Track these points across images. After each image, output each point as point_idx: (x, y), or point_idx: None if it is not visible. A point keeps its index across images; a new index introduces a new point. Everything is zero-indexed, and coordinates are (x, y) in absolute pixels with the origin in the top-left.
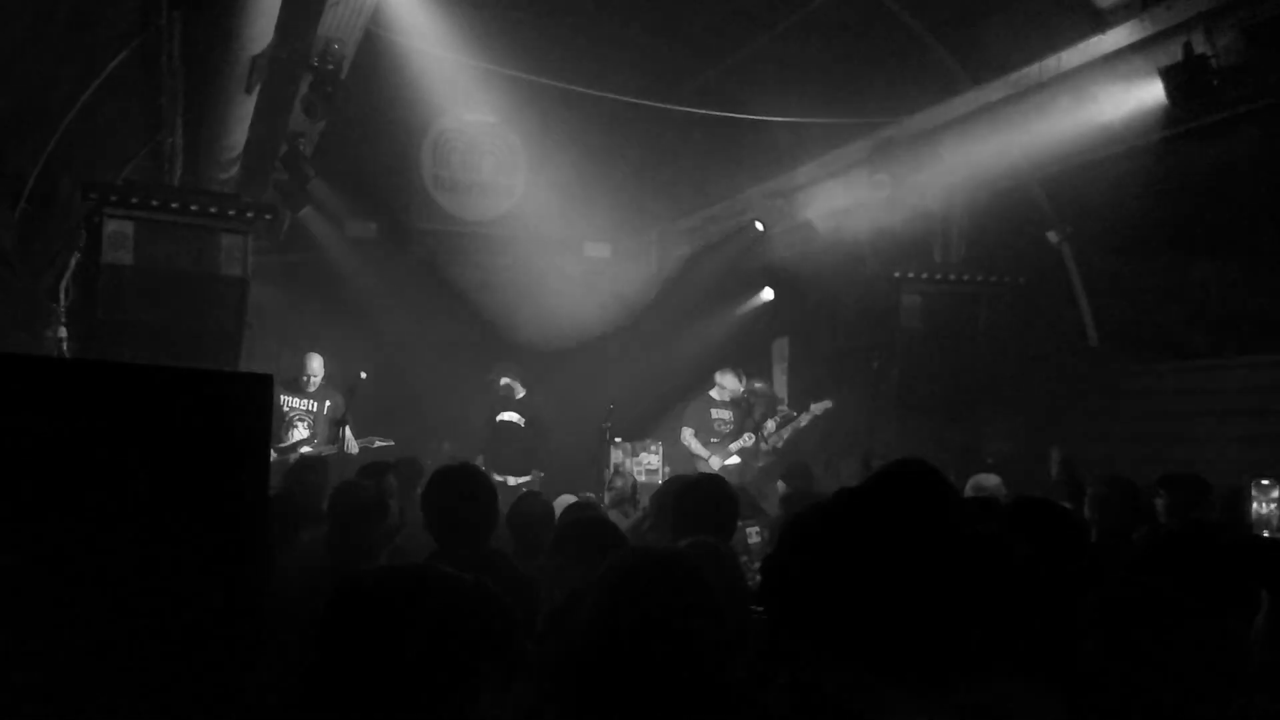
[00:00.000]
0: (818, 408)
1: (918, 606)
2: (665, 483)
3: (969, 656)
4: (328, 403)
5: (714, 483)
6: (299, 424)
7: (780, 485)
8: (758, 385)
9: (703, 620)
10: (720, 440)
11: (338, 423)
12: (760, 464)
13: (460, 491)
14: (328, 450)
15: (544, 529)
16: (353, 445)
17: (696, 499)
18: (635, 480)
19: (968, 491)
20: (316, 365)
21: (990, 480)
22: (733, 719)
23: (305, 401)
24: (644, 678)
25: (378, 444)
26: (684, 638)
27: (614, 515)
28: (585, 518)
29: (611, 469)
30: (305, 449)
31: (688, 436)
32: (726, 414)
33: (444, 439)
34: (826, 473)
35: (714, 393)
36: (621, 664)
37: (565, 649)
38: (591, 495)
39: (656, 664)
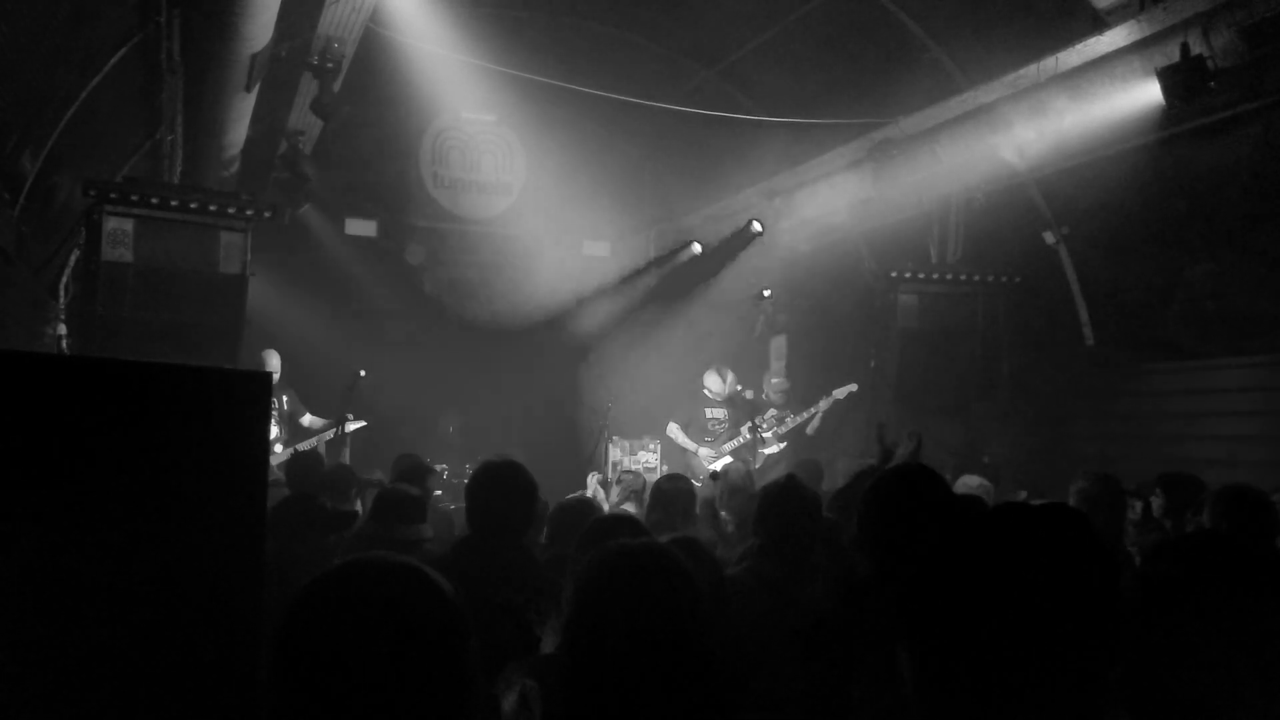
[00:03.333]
0: (840, 392)
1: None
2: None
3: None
4: (285, 398)
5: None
6: None
7: None
8: (747, 394)
9: (684, 614)
10: (714, 439)
11: (296, 415)
12: (761, 461)
13: (501, 486)
14: (307, 445)
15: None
16: (315, 423)
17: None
18: (646, 480)
19: (955, 490)
20: (275, 363)
21: (973, 480)
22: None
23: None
24: (627, 673)
25: (352, 427)
26: (666, 632)
27: (621, 510)
28: (610, 515)
29: (610, 466)
30: (277, 447)
31: (674, 430)
32: (720, 413)
33: (448, 415)
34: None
35: (706, 392)
36: (604, 659)
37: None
38: (587, 493)
39: (639, 658)
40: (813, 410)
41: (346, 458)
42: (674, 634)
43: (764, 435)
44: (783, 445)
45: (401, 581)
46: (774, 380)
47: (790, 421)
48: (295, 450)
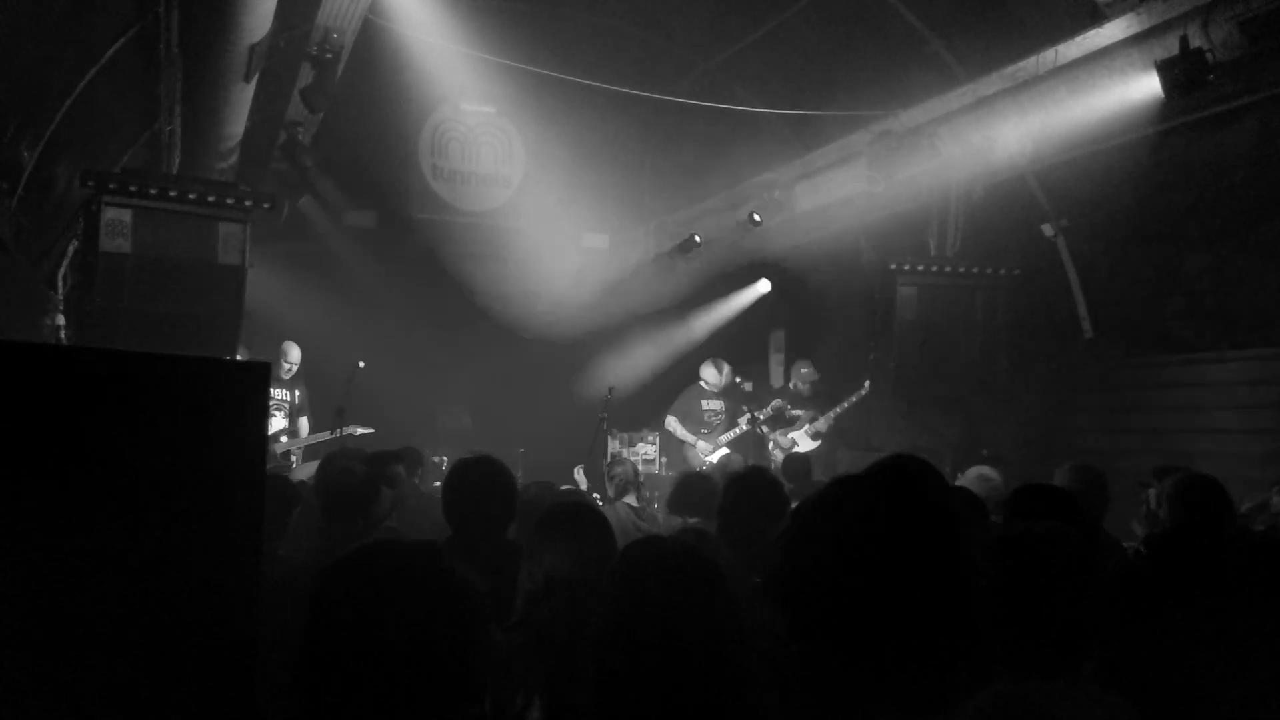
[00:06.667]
0: (865, 388)
1: (921, 605)
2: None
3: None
4: (297, 392)
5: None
6: (276, 414)
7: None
8: (745, 386)
9: (723, 613)
10: (711, 430)
11: (300, 413)
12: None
13: (480, 483)
14: (319, 439)
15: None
16: (305, 431)
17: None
18: (636, 467)
19: (967, 483)
20: (295, 355)
21: (984, 470)
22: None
23: (281, 391)
24: (668, 674)
25: (359, 432)
26: (709, 633)
27: (621, 504)
28: (569, 500)
29: (609, 458)
30: (284, 439)
31: (672, 423)
32: (717, 405)
33: (447, 407)
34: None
35: (702, 384)
36: (645, 661)
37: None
38: (583, 488)
39: (682, 661)
40: (843, 405)
41: None
42: (715, 643)
43: (765, 431)
44: (818, 443)
45: (416, 564)
46: (803, 370)
47: (826, 416)
48: (327, 456)
